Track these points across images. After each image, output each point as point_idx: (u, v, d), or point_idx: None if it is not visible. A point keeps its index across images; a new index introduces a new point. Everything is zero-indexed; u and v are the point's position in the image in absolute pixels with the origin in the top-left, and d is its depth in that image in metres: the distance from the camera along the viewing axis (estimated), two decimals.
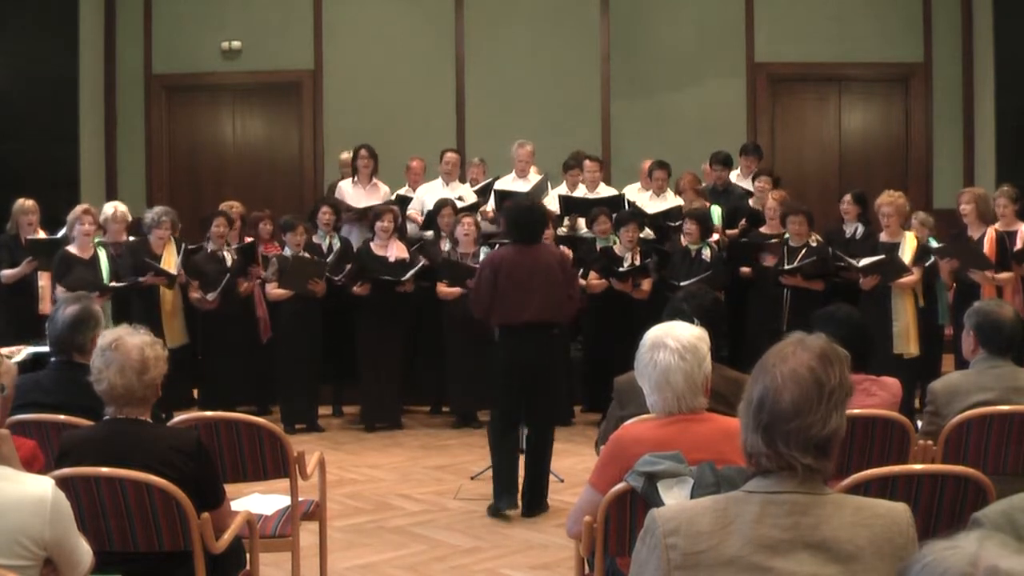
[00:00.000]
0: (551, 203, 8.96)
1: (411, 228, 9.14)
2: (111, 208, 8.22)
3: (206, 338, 8.48)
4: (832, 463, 2.04)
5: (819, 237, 8.20)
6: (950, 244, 7.63)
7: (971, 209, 7.62)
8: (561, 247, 7.55)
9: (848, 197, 8.39)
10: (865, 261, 7.54)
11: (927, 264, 7.72)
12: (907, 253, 7.58)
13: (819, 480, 2.02)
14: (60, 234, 7.98)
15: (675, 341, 3.17)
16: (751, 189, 9.31)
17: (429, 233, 8.81)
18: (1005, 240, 7.49)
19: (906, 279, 7.50)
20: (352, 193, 9.05)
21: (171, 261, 8.06)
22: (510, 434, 6.04)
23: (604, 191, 9.20)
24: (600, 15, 11.52)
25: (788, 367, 2.01)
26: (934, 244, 7.93)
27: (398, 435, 8.09)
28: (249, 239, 8.66)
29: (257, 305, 8.51)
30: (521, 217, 6.10)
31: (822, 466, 2.02)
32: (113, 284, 7.60)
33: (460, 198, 8.93)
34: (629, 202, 9.07)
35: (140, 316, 7.19)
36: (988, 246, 7.45)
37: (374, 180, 9.16)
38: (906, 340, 7.47)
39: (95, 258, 7.71)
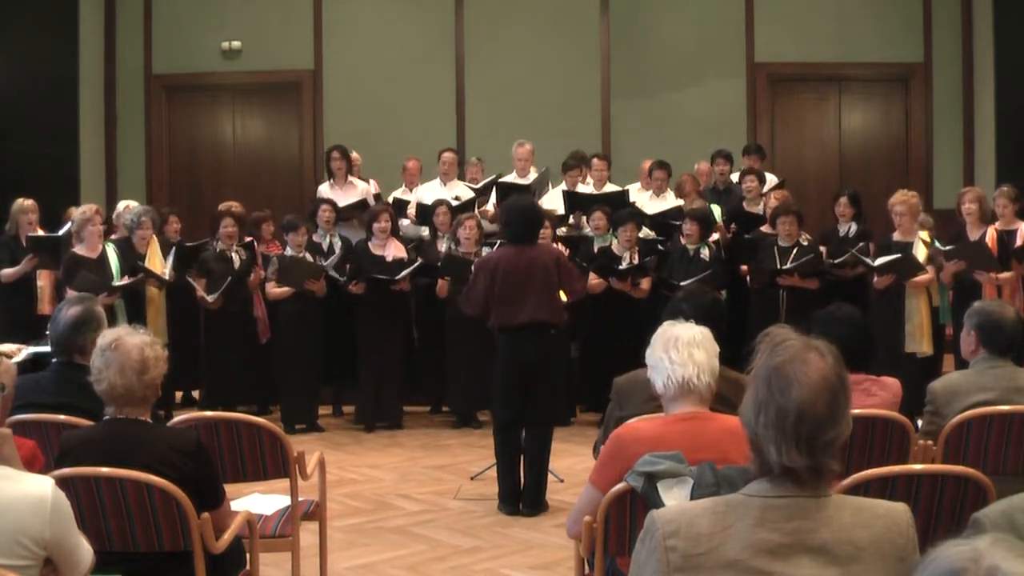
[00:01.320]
0: (554, 199, 8.97)
1: (410, 228, 9.14)
2: (122, 206, 8.29)
3: (207, 338, 8.47)
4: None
5: (808, 236, 8.20)
6: (958, 246, 7.62)
7: (975, 208, 7.61)
8: (556, 245, 7.55)
9: (844, 200, 8.40)
10: (880, 260, 7.54)
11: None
12: (920, 252, 7.57)
13: (825, 482, 2.02)
14: (62, 231, 7.97)
15: (695, 336, 3.19)
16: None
17: (425, 231, 8.82)
18: (1005, 239, 7.49)
19: (920, 278, 7.49)
20: (329, 194, 9.06)
21: (155, 261, 8.02)
22: (511, 437, 6.03)
23: (609, 190, 9.20)
24: (600, 15, 11.52)
25: (816, 374, 1.98)
26: (937, 245, 7.92)
27: (398, 435, 8.09)
28: (249, 239, 8.66)
29: (256, 305, 8.50)
30: (517, 215, 6.09)
31: (840, 468, 2.03)
32: (121, 283, 7.58)
33: (457, 198, 8.93)
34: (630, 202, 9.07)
35: (130, 314, 7.22)
36: (989, 245, 7.45)
37: (350, 179, 9.19)
38: (919, 339, 7.46)
39: (104, 257, 7.70)
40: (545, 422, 6.08)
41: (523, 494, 5.98)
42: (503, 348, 6.05)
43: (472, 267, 6.60)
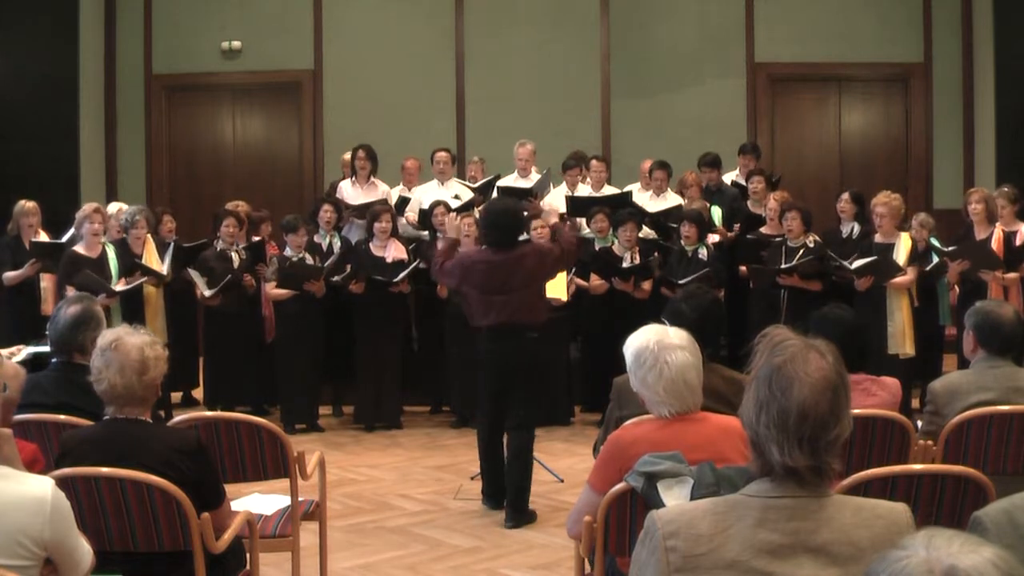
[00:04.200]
0: (556, 199, 8.97)
1: (407, 228, 9.14)
2: (115, 207, 8.31)
3: (208, 338, 8.47)
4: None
5: (817, 237, 8.19)
6: (961, 245, 7.61)
7: (982, 209, 7.61)
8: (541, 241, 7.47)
9: (846, 196, 8.38)
10: (858, 263, 7.54)
11: (931, 266, 7.69)
12: (901, 254, 7.56)
13: (827, 482, 2.02)
14: (65, 238, 7.97)
15: (679, 339, 3.18)
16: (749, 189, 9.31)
17: (425, 233, 8.82)
18: (1011, 240, 7.49)
19: (900, 279, 7.48)
20: (351, 193, 9.08)
21: (152, 260, 8.02)
22: (494, 440, 5.94)
23: (608, 191, 9.21)
24: (600, 15, 11.52)
25: (817, 373, 1.98)
26: (936, 244, 7.91)
27: (398, 435, 8.09)
28: (257, 238, 8.67)
29: (264, 304, 8.52)
30: (493, 220, 5.94)
31: (841, 467, 2.03)
32: (119, 288, 7.58)
33: (456, 197, 8.94)
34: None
35: (124, 315, 7.22)
36: (995, 246, 7.45)
37: (372, 179, 9.19)
38: (901, 340, 7.45)
39: (103, 257, 7.70)
40: (524, 426, 5.89)
41: (506, 503, 5.81)
42: (480, 348, 5.98)
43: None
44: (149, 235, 8.15)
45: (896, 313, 7.48)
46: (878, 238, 7.70)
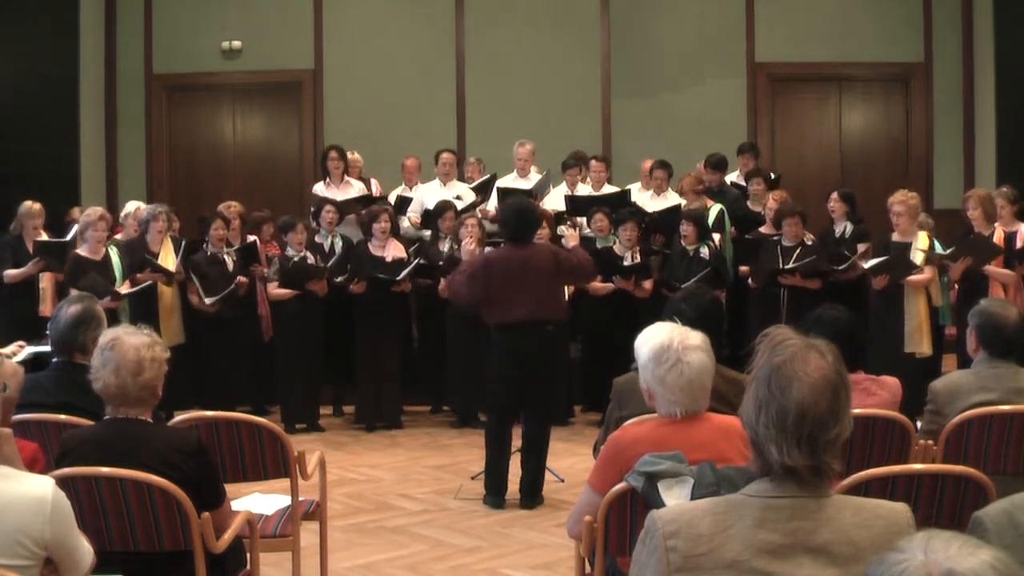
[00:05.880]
0: (555, 199, 8.98)
1: (408, 228, 9.15)
2: (132, 206, 8.33)
3: (207, 338, 8.46)
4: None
5: (812, 236, 8.20)
6: (960, 245, 7.61)
7: (978, 213, 7.62)
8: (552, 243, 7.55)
9: (835, 195, 8.41)
10: (873, 262, 7.54)
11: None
12: (918, 252, 7.55)
13: (827, 482, 2.02)
14: (68, 236, 7.98)
15: (698, 340, 3.16)
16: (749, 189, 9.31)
17: (427, 232, 8.83)
18: (1012, 240, 7.48)
19: (917, 277, 7.46)
20: (325, 193, 9.08)
21: (168, 258, 8.03)
22: (505, 432, 6.14)
23: (608, 191, 9.21)
24: (600, 15, 11.51)
25: (816, 373, 1.98)
26: (937, 246, 7.91)
27: (398, 435, 8.10)
28: (252, 238, 8.66)
29: (260, 304, 8.51)
30: (514, 216, 6.23)
31: (841, 467, 2.02)
32: (124, 291, 7.57)
33: (458, 197, 8.95)
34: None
35: (137, 314, 7.22)
36: (998, 245, 7.45)
37: (346, 179, 9.20)
38: (919, 339, 7.44)
39: (107, 259, 7.71)
40: (543, 416, 6.18)
41: (520, 487, 6.07)
42: (499, 344, 6.15)
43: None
44: (168, 236, 8.16)
45: (914, 313, 7.45)
46: (895, 237, 7.67)
